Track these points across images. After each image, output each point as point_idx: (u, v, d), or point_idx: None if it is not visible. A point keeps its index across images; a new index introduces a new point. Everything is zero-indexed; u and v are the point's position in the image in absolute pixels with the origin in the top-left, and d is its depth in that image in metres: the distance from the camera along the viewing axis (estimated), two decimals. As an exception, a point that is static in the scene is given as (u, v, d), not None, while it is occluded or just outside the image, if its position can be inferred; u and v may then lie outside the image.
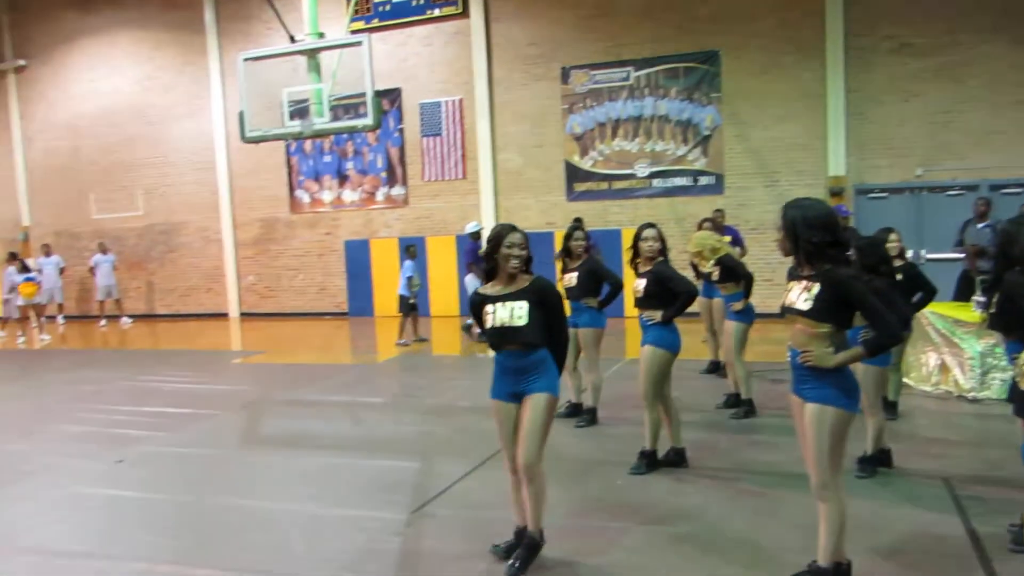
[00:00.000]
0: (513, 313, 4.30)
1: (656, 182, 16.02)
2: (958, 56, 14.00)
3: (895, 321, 3.80)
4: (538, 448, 4.33)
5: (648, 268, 6.18)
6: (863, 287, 3.79)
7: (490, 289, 4.47)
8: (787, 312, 3.94)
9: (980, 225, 10.59)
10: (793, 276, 3.99)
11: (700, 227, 9.08)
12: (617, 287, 7.38)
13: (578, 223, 8.88)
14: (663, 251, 6.22)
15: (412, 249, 13.66)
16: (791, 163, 15.11)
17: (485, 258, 4.44)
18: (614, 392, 8.42)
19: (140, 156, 20.53)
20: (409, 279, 13.26)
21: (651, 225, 6.28)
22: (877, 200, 14.59)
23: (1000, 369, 8.09)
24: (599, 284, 7.43)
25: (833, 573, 3.89)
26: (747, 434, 7.19)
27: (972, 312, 8.28)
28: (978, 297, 8.30)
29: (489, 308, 4.39)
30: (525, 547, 4.40)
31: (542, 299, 4.37)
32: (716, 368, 9.71)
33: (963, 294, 9.99)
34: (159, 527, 5.41)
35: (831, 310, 3.77)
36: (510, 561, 4.37)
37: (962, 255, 10.66)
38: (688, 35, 15.56)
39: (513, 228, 4.43)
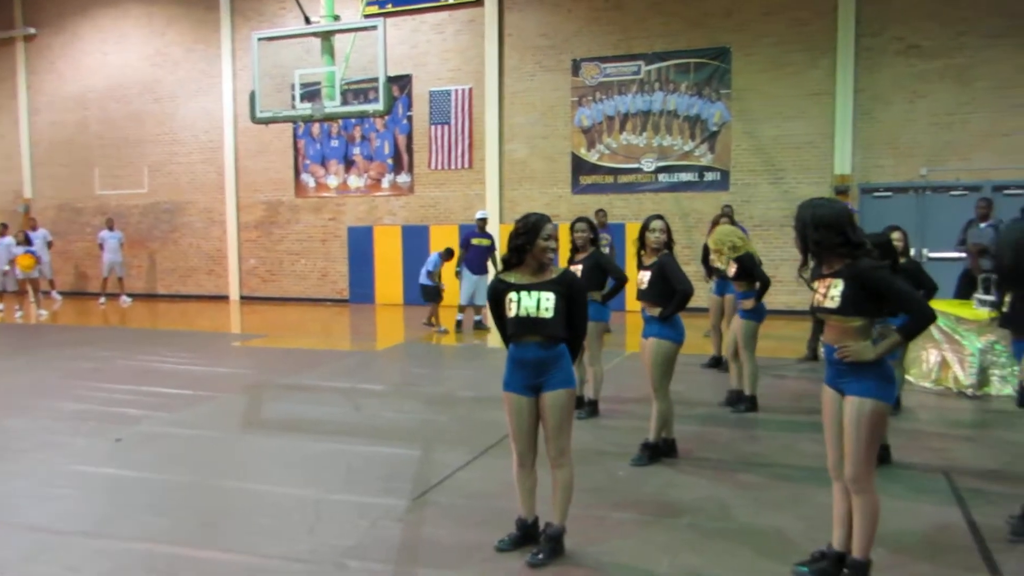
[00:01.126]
0: (541, 304, 4.22)
1: (662, 177, 16.00)
2: (965, 59, 14.07)
3: (925, 302, 3.82)
4: (568, 441, 4.36)
5: (653, 260, 6.18)
6: (887, 274, 3.78)
7: (513, 277, 4.36)
8: (817, 312, 3.97)
9: (983, 225, 10.77)
10: (816, 275, 3.99)
11: (718, 222, 9.00)
12: (622, 282, 7.39)
13: (596, 217, 8.73)
14: (668, 244, 6.23)
15: (449, 250, 13.67)
16: (798, 161, 15.14)
17: (515, 248, 4.32)
18: (614, 385, 8.43)
19: (147, 133, 20.46)
20: (429, 273, 13.40)
21: (659, 217, 6.28)
22: (881, 199, 14.63)
23: (999, 366, 8.34)
24: (604, 278, 7.42)
25: (866, 566, 3.90)
26: (748, 429, 7.22)
27: (974, 310, 8.39)
28: (981, 295, 8.35)
29: (513, 296, 4.29)
30: (550, 538, 4.35)
31: (570, 292, 4.31)
32: (718, 363, 9.74)
33: (964, 292, 10.11)
34: (160, 507, 5.38)
35: (858, 303, 3.78)
36: (535, 552, 4.33)
37: (964, 254, 10.76)
38: (700, 31, 15.56)
39: (548, 218, 4.37)
